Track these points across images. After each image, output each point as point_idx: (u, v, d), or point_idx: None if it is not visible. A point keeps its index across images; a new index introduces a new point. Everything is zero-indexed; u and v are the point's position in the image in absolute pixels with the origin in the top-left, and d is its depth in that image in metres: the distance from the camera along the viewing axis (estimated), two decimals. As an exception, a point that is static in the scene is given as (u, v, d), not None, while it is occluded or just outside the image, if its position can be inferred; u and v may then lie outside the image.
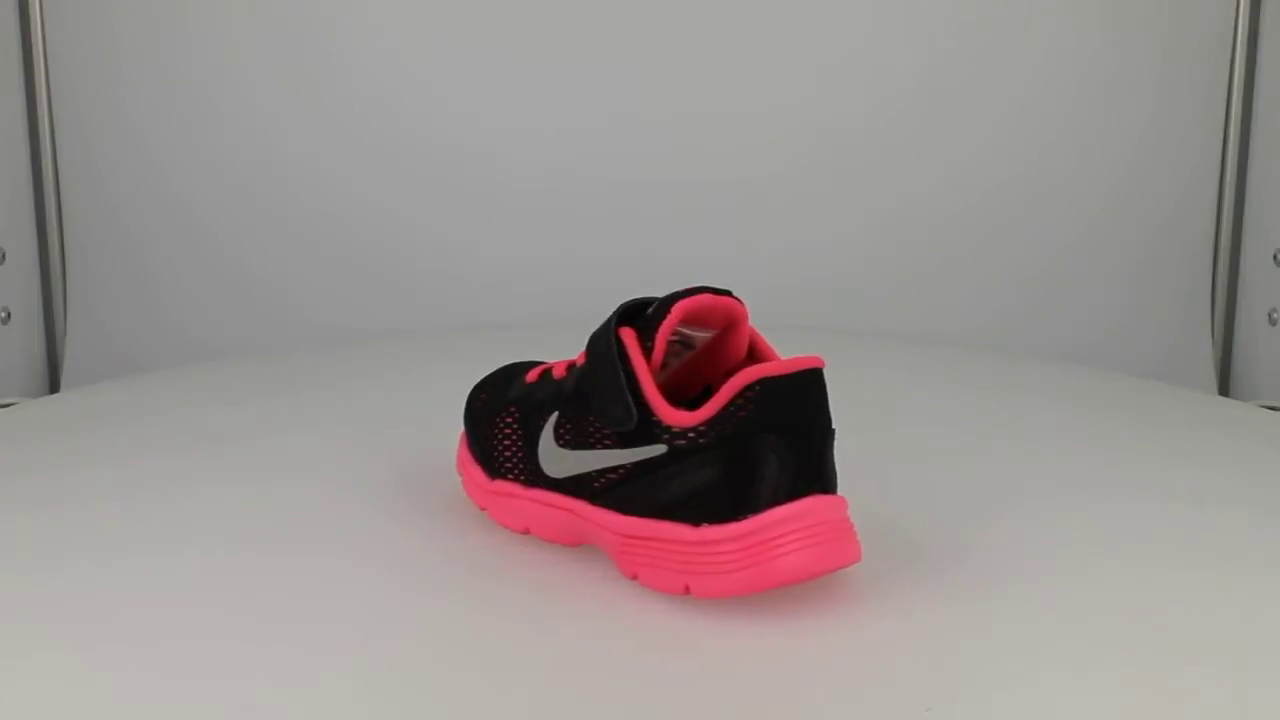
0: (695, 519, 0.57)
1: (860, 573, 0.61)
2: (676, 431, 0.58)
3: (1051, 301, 1.22)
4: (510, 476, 0.66)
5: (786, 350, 0.60)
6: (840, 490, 0.58)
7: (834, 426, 0.59)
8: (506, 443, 0.66)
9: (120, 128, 1.19)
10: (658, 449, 0.58)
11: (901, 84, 1.21)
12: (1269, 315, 1.20)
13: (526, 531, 0.66)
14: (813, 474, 0.57)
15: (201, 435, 0.83)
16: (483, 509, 0.68)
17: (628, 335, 0.60)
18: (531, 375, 0.67)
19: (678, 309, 0.59)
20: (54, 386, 1.23)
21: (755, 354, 0.61)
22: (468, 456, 0.69)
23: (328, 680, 0.54)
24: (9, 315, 1.20)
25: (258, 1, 1.18)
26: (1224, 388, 1.24)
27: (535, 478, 0.64)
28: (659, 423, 0.58)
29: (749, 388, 0.56)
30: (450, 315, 1.20)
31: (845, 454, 0.59)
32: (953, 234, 1.22)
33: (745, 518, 0.56)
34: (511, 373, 0.69)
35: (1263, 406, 1.12)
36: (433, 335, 1.13)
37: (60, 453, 0.82)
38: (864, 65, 1.21)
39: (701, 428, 0.57)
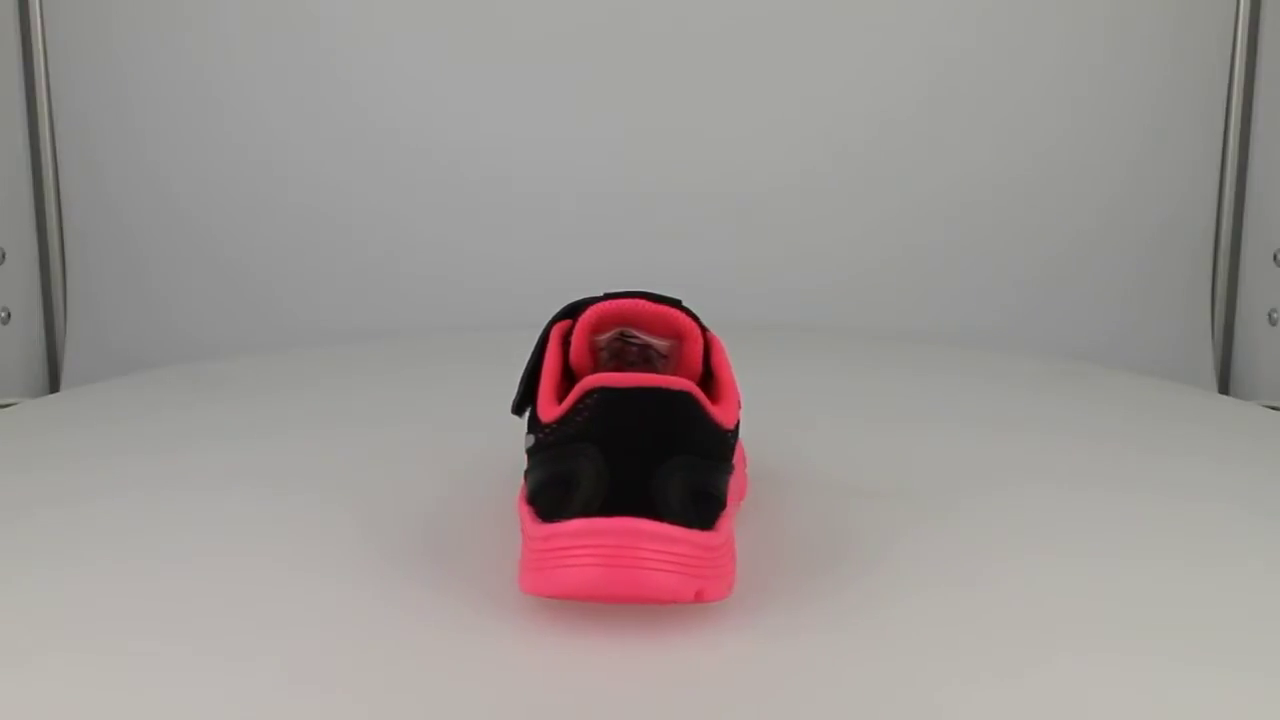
0: (540, 513, 0.57)
1: (854, 570, 0.61)
2: (538, 426, 0.58)
3: (1052, 301, 1.22)
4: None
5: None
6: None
7: (730, 462, 0.57)
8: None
9: (120, 128, 1.19)
10: (530, 439, 0.59)
11: (903, 86, 1.21)
12: (1269, 315, 1.20)
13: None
14: (631, 495, 0.54)
15: (201, 435, 0.83)
16: None
17: (557, 328, 0.61)
18: None
19: (591, 311, 0.59)
20: (54, 386, 1.23)
21: (709, 366, 0.61)
22: None
23: (324, 684, 0.54)
24: (9, 315, 1.20)
25: (259, 2, 1.18)
26: (1224, 388, 1.24)
27: None
28: (535, 414, 0.59)
29: (588, 394, 0.55)
30: (450, 317, 1.20)
31: (845, 452, 0.59)
32: (953, 234, 1.22)
33: (558, 520, 0.55)
34: None
35: (1263, 406, 1.12)
36: (433, 336, 1.13)
37: (60, 452, 0.82)
38: (865, 69, 1.21)
39: (552, 425, 0.57)
